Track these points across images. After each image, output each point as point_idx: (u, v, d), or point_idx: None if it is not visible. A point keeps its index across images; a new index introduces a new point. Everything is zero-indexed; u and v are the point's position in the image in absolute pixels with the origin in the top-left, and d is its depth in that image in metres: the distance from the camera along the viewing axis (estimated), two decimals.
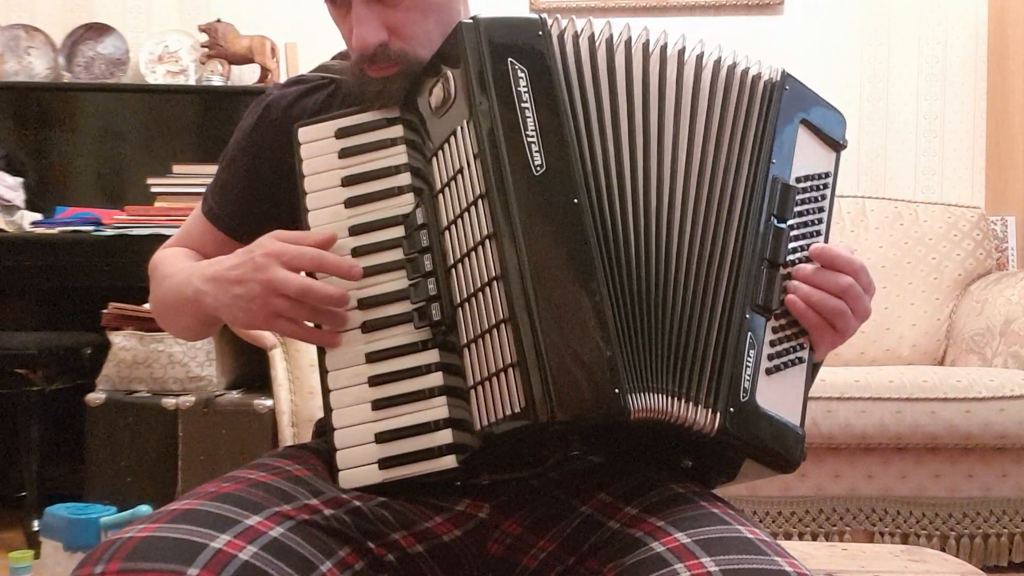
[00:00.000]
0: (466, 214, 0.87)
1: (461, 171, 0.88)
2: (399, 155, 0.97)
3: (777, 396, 0.89)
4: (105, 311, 2.70)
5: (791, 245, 0.93)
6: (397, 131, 0.98)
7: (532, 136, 0.86)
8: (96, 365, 2.71)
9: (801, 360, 0.92)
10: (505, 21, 0.90)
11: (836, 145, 1.01)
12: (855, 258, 0.93)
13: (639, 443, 0.91)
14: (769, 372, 0.90)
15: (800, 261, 0.93)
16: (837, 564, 1.59)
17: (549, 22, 0.91)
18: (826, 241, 0.97)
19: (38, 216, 3.03)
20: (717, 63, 0.98)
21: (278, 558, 0.78)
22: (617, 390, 0.81)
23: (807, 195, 0.96)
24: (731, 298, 0.89)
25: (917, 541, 2.38)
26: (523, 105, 0.87)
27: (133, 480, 2.62)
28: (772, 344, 0.90)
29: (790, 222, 0.94)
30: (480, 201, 0.86)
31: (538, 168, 0.86)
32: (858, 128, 3.43)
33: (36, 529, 2.49)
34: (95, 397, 2.64)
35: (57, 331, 2.97)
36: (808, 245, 0.94)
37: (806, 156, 0.97)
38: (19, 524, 2.67)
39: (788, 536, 2.39)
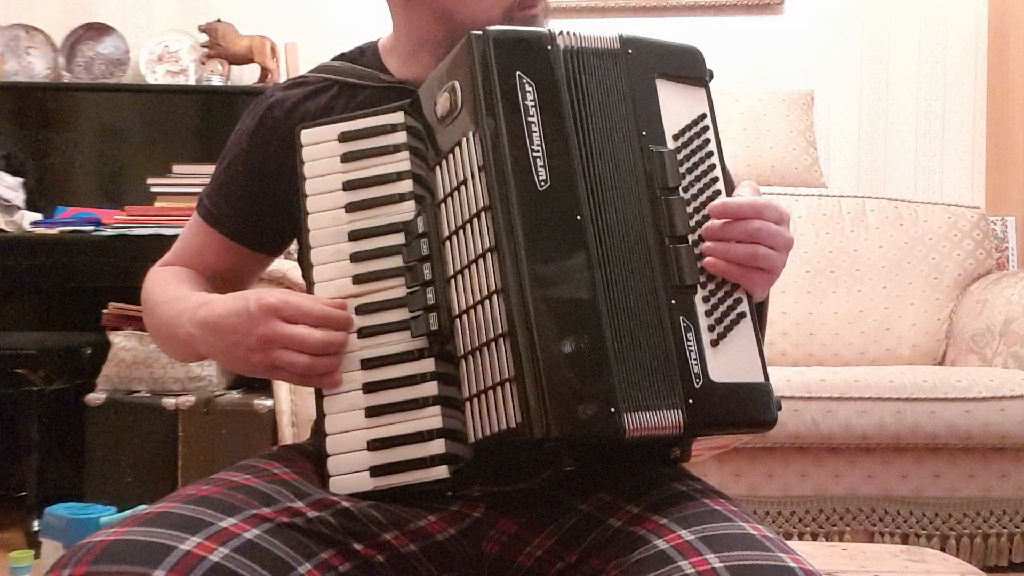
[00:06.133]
0: (468, 226, 0.87)
1: (465, 182, 0.88)
2: (402, 162, 0.97)
3: (731, 362, 0.88)
4: (105, 311, 2.69)
5: (693, 206, 0.91)
6: (401, 138, 0.97)
7: (538, 151, 0.86)
8: (96, 365, 2.71)
9: (743, 315, 0.90)
10: (514, 34, 0.90)
11: (700, 82, 0.96)
12: (755, 200, 0.91)
13: (629, 452, 0.91)
14: (715, 343, 0.88)
15: (708, 217, 0.91)
16: (837, 564, 1.60)
17: (557, 35, 0.90)
18: (723, 173, 0.95)
19: (38, 216, 3.02)
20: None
21: (251, 560, 0.77)
22: (613, 409, 0.81)
23: (691, 146, 0.93)
24: (655, 289, 0.87)
25: (917, 541, 2.38)
26: (529, 120, 0.86)
27: (133, 480, 2.62)
28: (708, 314, 0.88)
29: (682, 185, 0.91)
30: (483, 214, 0.85)
31: (542, 183, 0.85)
32: (858, 128, 3.43)
33: (36, 529, 2.49)
34: (95, 397, 2.64)
35: (57, 331, 2.97)
36: (710, 196, 0.92)
37: (675, 108, 0.94)
38: (19, 524, 2.67)
39: (788, 536, 2.39)
